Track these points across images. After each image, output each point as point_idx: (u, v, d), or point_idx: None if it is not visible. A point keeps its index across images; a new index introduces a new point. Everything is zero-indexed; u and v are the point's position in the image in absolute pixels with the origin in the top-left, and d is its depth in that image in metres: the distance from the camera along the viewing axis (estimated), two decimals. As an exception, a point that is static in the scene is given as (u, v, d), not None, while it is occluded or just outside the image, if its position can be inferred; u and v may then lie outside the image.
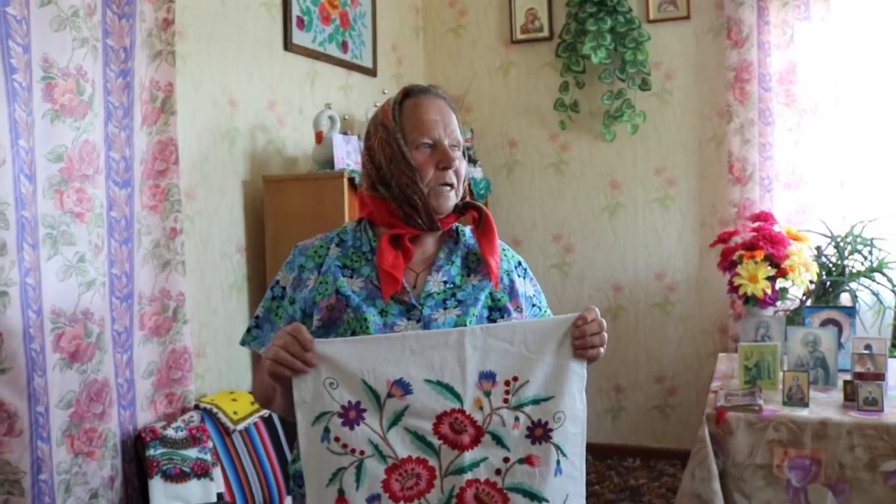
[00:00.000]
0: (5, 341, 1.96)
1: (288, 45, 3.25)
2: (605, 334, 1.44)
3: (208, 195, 2.83)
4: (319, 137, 3.08)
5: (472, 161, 3.93)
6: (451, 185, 1.52)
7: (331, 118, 3.11)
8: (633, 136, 4.06)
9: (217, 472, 2.47)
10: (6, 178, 1.96)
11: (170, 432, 2.42)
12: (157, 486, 2.33)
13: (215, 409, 2.61)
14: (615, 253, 4.19)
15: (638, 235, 4.15)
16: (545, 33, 4.19)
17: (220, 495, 2.43)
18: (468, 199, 1.62)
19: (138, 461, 2.39)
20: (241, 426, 2.63)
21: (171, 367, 2.54)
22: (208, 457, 2.45)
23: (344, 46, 3.63)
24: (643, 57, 3.91)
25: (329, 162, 3.01)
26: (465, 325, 1.45)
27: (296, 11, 3.27)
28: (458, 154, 1.54)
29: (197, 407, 2.60)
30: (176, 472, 2.37)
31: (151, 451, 2.35)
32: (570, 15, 4.02)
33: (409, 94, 1.56)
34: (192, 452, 2.43)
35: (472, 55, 4.38)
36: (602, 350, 1.44)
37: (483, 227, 1.58)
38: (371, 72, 3.84)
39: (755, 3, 3.69)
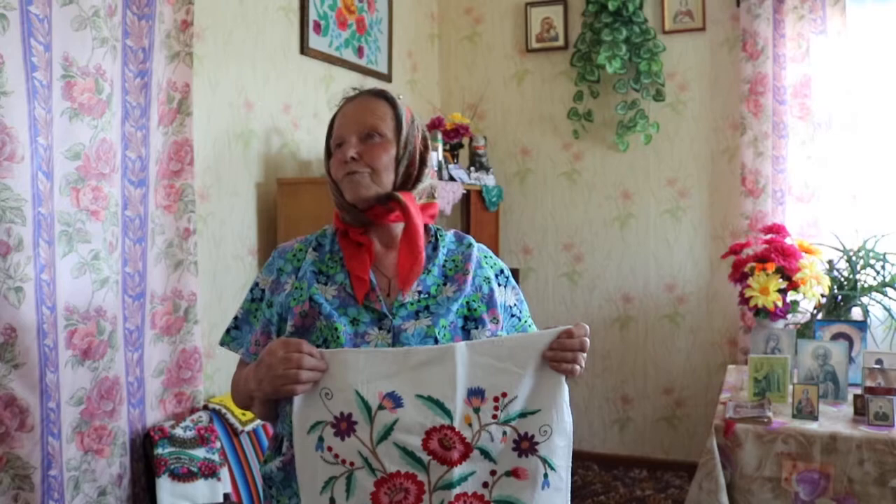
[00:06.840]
0: (19, 337, 1.98)
1: (304, 48, 3.27)
2: (583, 355, 1.40)
3: (222, 196, 2.84)
4: (333, 141, 3.09)
5: (484, 168, 3.94)
6: (355, 172, 1.47)
7: (345, 122, 3.12)
8: (646, 147, 4.07)
9: (224, 472, 2.47)
10: (24, 174, 1.97)
11: (178, 432, 2.43)
12: (164, 485, 2.33)
13: (224, 410, 2.62)
14: (625, 263, 4.18)
15: (649, 246, 4.14)
16: (560, 42, 4.20)
17: (226, 496, 2.43)
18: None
19: (146, 459, 2.40)
20: (249, 427, 2.64)
21: (181, 367, 2.55)
22: (216, 457, 2.46)
23: (360, 51, 3.65)
24: (658, 68, 3.91)
25: (343, 166, 3.02)
26: (435, 335, 1.44)
27: (313, 16, 3.29)
28: (376, 140, 1.49)
29: (206, 407, 2.61)
30: (183, 472, 2.37)
31: (160, 450, 2.36)
32: (586, 24, 4.03)
33: (344, 102, 1.58)
34: (200, 452, 2.43)
35: (486, 63, 4.39)
36: (576, 368, 1.40)
37: (405, 224, 1.51)
38: (386, 77, 3.86)
39: (771, 16, 3.69)
